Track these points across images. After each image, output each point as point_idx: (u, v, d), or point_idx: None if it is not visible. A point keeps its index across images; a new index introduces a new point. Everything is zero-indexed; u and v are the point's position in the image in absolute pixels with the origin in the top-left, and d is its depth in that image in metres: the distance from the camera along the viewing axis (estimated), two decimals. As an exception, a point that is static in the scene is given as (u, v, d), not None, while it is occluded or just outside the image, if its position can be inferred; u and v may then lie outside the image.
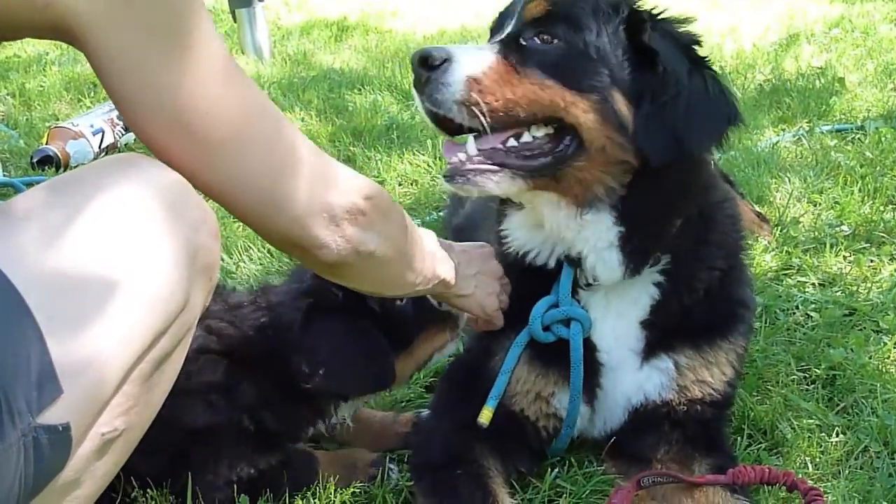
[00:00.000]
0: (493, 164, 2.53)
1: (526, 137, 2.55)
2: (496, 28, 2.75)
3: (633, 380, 2.78)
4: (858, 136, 5.70)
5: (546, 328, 2.73)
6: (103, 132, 5.86)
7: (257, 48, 8.44)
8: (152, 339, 1.69)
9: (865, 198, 4.64)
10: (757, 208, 4.49)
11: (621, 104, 2.51)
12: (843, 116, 6.12)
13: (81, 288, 1.59)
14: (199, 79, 1.80)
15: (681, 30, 2.64)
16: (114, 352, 1.62)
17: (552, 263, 2.74)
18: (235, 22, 8.55)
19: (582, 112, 2.49)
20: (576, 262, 2.68)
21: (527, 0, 2.63)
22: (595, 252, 2.63)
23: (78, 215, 1.65)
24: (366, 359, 2.70)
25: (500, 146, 2.54)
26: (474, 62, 2.50)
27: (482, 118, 2.44)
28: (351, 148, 5.83)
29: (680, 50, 2.59)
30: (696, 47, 2.64)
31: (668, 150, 2.52)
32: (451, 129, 2.60)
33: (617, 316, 2.77)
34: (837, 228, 4.35)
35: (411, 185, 5.31)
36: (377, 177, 5.35)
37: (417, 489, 2.69)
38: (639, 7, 2.62)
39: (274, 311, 2.73)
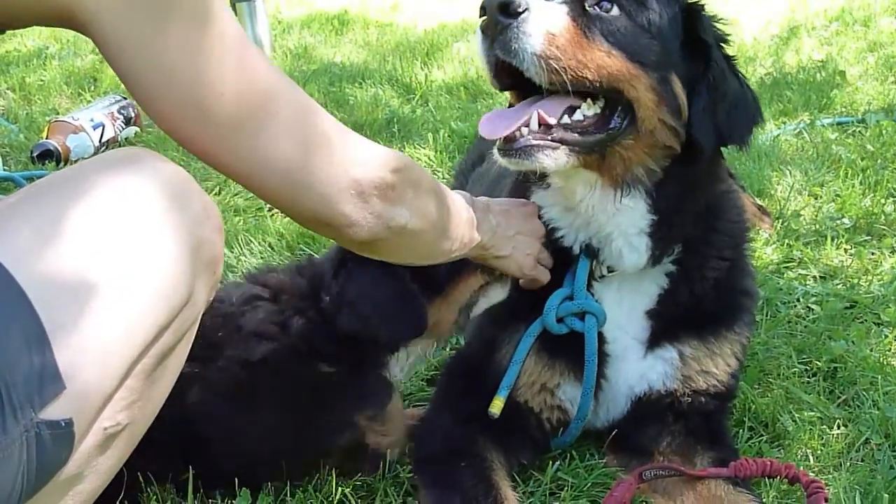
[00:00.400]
0: (552, 140, 2.51)
1: (578, 115, 2.54)
2: None
3: (637, 369, 2.79)
4: (859, 129, 5.70)
5: (559, 320, 2.73)
6: (103, 126, 5.86)
7: (258, 42, 8.42)
8: (155, 334, 1.69)
9: (866, 191, 4.64)
10: (758, 201, 4.49)
11: (678, 88, 2.54)
12: (844, 109, 6.13)
13: (84, 283, 1.58)
14: (212, 58, 1.78)
15: (717, 27, 2.68)
16: (117, 347, 1.61)
17: (577, 248, 2.74)
18: (236, 15, 8.53)
19: (644, 88, 2.50)
20: (594, 253, 2.69)
21: None
22: (625, 237, 2.65)
23: (80, 209, 1.65)
24: (394, 302, 2.70)
25: (556, 120, 2.52)
26: (553, 18, 2.44)
27: (563, 75, 2.40)
28: (352, 142, 5.81)
29: (719, 48, 2.65)
30: (727, 44, 2.70)
31: (710, 139, 2.58)
32: (506, 83, 2.59)
33: (627, 307, 2.77)
34: (838, 221, 4.35)
35: (412, 178, 5.29)
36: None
37: (420, 482, 2.69)
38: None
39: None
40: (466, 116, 6.19)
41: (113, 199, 1.69)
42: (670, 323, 2.77)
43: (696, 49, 2.58)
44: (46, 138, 5.72)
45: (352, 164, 2.01)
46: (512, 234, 2.66)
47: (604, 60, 2.46)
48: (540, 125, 2.51)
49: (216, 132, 1.80)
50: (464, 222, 2.46)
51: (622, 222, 2.62)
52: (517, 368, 2.75)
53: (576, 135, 2.52)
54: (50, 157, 5.63)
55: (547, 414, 2.81)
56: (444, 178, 5.13)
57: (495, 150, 2.54)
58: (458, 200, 2.49)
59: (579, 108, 2.53)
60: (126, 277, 1.63)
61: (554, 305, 2.72)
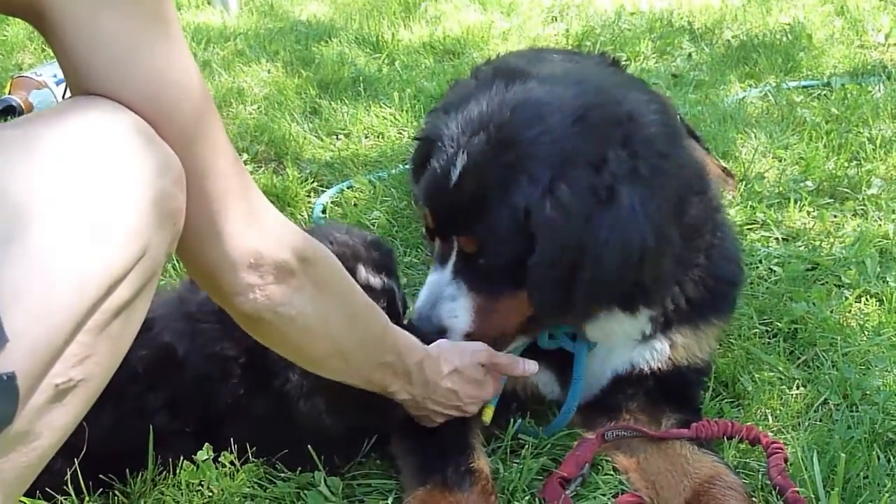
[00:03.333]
0: None
1: None
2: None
3: (626, 357, 2.84)
4: (824, 92, 5.71)
5: (550, 336, 2.78)
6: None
7: (224, -1, 8.36)
8: (108, 287, 1.65)
9: (830, 154, 4.66)
10: (722, 163, 4.50)
11: None
12: (809, 73, 6.13)
13: (30, 230, 1.55)
14: (174, 53, 1.76)
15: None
16: (64, 299, 1.58)
17: None
18: (202, -28, 8.47)
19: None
20: None
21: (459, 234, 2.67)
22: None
23: (28, 151, 1.59)
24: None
25: None
26: (461, 320, 2.68)
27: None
28: (317, 100, 5.79)
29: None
30: None
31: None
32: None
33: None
34: (802, 184, 4.36)
35: (378, 137, 5.28)
36: (343, 129, 5.34)
37: (397, 452, 2.72)
38: None
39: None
40: (433, 76, 6.16)
41: (66, 142, 1.63)
42: (666, 319, 2.80)
43: None
44: (9, 94, 5.66)
45: (259, 230, 1.94)
46: (432, 408, 2.62)
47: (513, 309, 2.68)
48: None
49: (168, 129, 1.78)
50: (375, 363, 2.38)
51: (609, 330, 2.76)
52: (505, 380, 2.78)
53: None
54: (13, 114, 5.56)
55: (522, 394, 2.87)
56: (410, 138, 5.12)
57: None
58: (383, 341, 2.40)
59: None
60: (76, 225, 1.59)
61: None
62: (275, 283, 1.98)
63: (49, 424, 1.68)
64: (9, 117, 5.54)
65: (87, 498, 2.47)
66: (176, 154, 1.78)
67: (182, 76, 1.78)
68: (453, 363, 2.57)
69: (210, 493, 2.55)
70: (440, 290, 2.70)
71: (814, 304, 3.37)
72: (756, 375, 3.00)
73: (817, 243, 3.85)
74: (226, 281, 1.95)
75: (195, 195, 1.84)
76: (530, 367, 2.70)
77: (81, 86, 1.75)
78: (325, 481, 2.59)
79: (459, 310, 2.66)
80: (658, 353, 2.81)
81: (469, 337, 2.63)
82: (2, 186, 1.55)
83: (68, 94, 4.95)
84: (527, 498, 2.56)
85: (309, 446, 2.60)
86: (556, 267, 2.45)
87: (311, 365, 2.34)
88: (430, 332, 2.63)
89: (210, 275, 1.96)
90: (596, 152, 2.44)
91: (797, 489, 2.46)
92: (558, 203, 2.41)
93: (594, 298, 2.54)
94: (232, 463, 2.57)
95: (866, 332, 3.22)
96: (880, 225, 4.01)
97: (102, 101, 1.72)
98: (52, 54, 6.26)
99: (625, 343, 2.80)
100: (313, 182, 4.66)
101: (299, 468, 2.63)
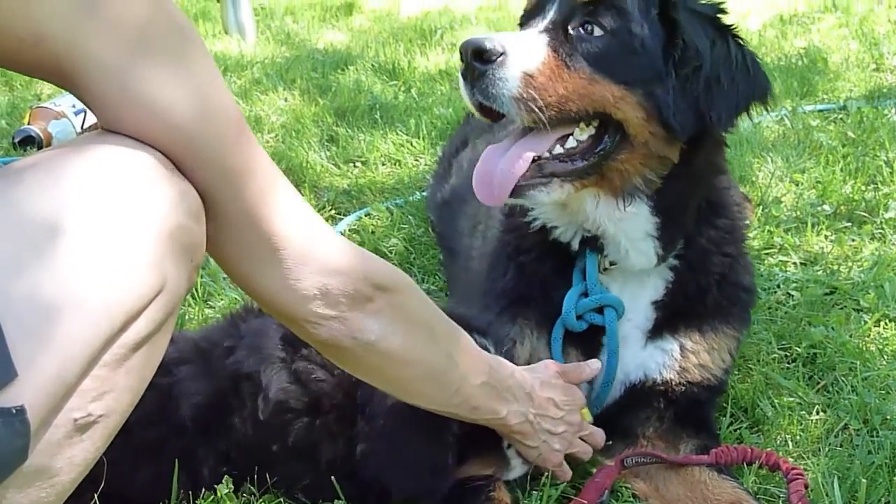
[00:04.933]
0: (542, 177, 2.55)
1: (571, 142, 2.57)
2: (534, 10, 2.70)
3: (636, 358, 2.81)
4: (841, 115, 5.70)
5: (578, 317, 2.74)
6: (85, 112, 5.82)
7: (240, 28, 8.41)
8: (123, 322, 1.65)
9: (847, 177, 4.65)
10: (739, 188, 4.50)
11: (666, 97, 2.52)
12: (825, 96, 6.13)
13: (40, 264, 1.54)
14: (209, 95, 1.77)
15: (706, 1, 2.65)
16: (77, 334, 1.57)
17: (576, 244, 2.75)
18: (219, 2, 8.51)
19: (630, 107, 2.52)
20: (597, 247, 2.70)
21: None
22: (631, 242, 2.67)
23: (43, 187, 1.58)
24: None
25: (547, 153, 2.56)
26: (529, 57, 2.48)
27: (541, 115, 2.44)
28: (334, 128, 5.81)
29: (705, 21, 2.59)
30: (721, 16, 2.65)
31: (691, 124, 2.53)
32: (493, 116, 2.59)
33: (630, 297, 2.78)
34: (819, 208, 4.35)
35: (395, 164, 5.30)
36: (360, 156, 5.35)
37: None
38: None
39: None
40: (449, 102, 6.18)
41: (82, 176, 1.63)
42: (674, 315, 2.79)
43: (674, 33, 2.55)
44: (28, 124, 5.69)
45: (326, 268, 1.95)
46: (548, 427, 2.55)
47: (586, 89, 2.49)
48: (533, 160, 2.53)
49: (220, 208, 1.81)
50: (474, 385, 2.33)
51: (628, 228, 2.65)
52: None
53: (567, 164, 2.56)
54: (32, 144, 5.60)
55: None
56: (427, 164, 5.13)
57: None
58: (475, 362, 2.35)
59: (572, 134, 2.56)
60: (89, 258, 1.59)
61: (572, 304, 2.72)
62: (349, 310, 2.00)
63: (69, 460, 1.68)
64: (28, 147, 5.57)
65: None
66: (225, 197, 1.81)
67: (220, 116, 1.79)
68: (536, 376, 2.56)
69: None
70: (519, 34, 2.62)
71: (833, 328, 3.35)
72: (775, 401, 2.98)
73: (835, 267, 3.84)
74: (297, 314, 1.97)
75: (257, 243, 1.87)
76: (594, 365, 2.71)
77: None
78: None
79: (532, 48, 2.51)
80: (668, 359, 2.79)
81: (529, 80, 2.45)
82: (15, 217, 1.55)
83: (87, 123, 4.97)
84: (547, 525, 2.55)
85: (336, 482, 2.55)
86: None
87: (407, 393, 2.32)
88: (482, 48, 2.46)
89: (281, 309, 1.99)
90: None
91: (818, 515, 2.45)
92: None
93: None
94: (252, 493, 2.56)
95: (885, 357, 3.20)
96: (898, 249, 3.99)
97: (120, 137, 1.73)
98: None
99: (637, 298, 2.79)
100: (331, 210, 4.68)
101: (319, 500, 2.60)
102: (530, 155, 2.53)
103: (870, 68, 6.69)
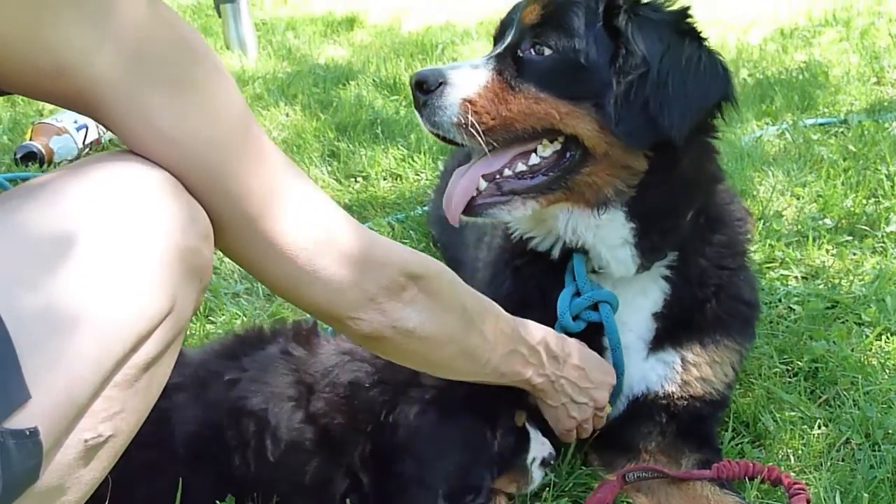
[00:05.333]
0: (501, 195, 2.60)
1: (534, 159, 2.60)
2: (498, 37, 2.80)
3: (638, 369, 2.79)
4: (841, 129, 5.71)
5: (575, 318, 2.73)
6: (87, 128, 5.84)
7: (242, 43, 8.44)
8: (134, 344, 1.65)
9: (848, 191, 4.65)
10: (742, 202, 4.50)
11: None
12: (826, 110, 6.14)
13: (52, 286, 1.54)
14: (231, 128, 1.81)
15: (664, 8, 2.63)
16: (88, 355, 1.58)
17: (556, 253, 2.76)
18: (220, 17, 8.54)
19: (578, 121, 2.53)
20: (583, 250, 2.70)
21: (523, 7, 2.66)
22: (608, 248, 2.66)
23: (54, 209, 1.59)
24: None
25: (509, 172, 2.60)
26: (468, 83, 2.55)
27: (479, 138, 2.50)
28: (335, 143, 5.82)
29: (660, 27, 2.57)
30: (685, 21, 2.63)
31: (643, 132, 2.52)
32: (452, 140, 2.62)
33: (626, 305, 2.76)
34: (820, 222, 4.35)
35: (396, 179, 5.31)
36: (361, 171, 5.36)
37: None
38: None
39: None
40: (450, 117, 6.18)
41: (91, 197, 1.64)
42: (675, 327, 2.79)
43: (619, 42, 2.56)
44: (30, 140, 5.71)
45: (363, 268, 2.01)
46: (570, 393, 2.63)
47: (531, 108, 2.53)
48: (492, 179, 2.59)
49: (228, 220, 1.84)
50: (502, 355, 2.42)
51: (605, 235, 2.64)
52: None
53: (527, 181, 2.60)
54: (33, 159, 5.62)
55: None
56: (429, 179, 5.14)
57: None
58: (504, 333, 2.44)
59: (535, 151, 2.60)
60: (100, 282, 1.59)
61: (566, 305, 2.72)
62: (387, 301, 2.06)
63: (78, 480, 1.68)
64: (30, 163, 5.59)
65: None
66: (245, 231, 1.85)
67: (235, 140, 1.82)
68: (577, 346, 2.64)
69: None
70: (467, 63, 2.68)
71: (834, 342, 3.35)
72: (777, 415, 2.98)
73: (837, 281, 3.84)
74: (336, 312, 2.03)
75: (277, 255, 1.91)
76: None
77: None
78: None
79: (472, 75, 2.59)
80: (670, 371, 2.79)
81: (471, 106, 2.52)
82: (28, 239, 1.56)
83: (89, 138, 4.99)
84: (548, 540, 2.55)
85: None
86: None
87: (442, 370, 2.40)
88: (422, 79, 2.57)
89: (319, 307, 2.04)
90: None
91: (820, 530, 2.45)
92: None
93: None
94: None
95: (887, 371, 3.19)
96: (900, 262, 3.99)
97: (131, 157, 1.74)
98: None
99: (635, 307, 2.78)
100: (332, 225, 4.66)
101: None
102: (479, 175, 2.59)
103: (870, 82, 6.70)
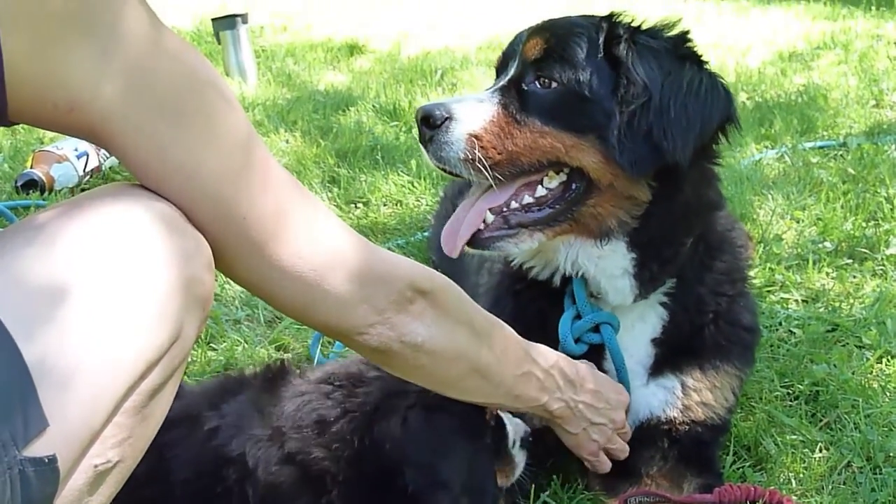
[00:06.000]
0: (509, 228, 2.61)
1: (540, 191, 2.61)
2: (501, 68, 2.81)
3: (641, 395, 2.79)
4: (841, 152, 5.73)
5: (576, 341, 2.73)
6: (87, 155, 5.84)
7: (241, 70, 8.45)
8: (143, 371, 1.68)
9: (848, 214, 4.66)
10: (743, 227, 4.51)
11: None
12: (825, 133, 6.16)
13: (67, 317, 1.57)
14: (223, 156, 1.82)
15: (663, 35, 2.65)
16: (103, 383, 1.60)
17: (556, 281, 2.76)
18: (220, 44, 8.56)
19: (583, 154, 2.54)
20: (583, 278, 2.71)
21: (525, 40, 2.68)
22: (608, 279, 2.66)
23: (66, 242, 1.63)
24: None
25: (516, 204, 2.61)
26: (474, 118, 2.56)
27: (486, 173, 2.51)
28: (336, 169, 5.83)
29: (660, 54, 2.58)
30: (684, 45, 2.65)
31: (646, 161, 2.53)
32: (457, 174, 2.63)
33: (625, 331, 2.77)
34: (820, 245, 4.36)
35: (396, 205, 5.31)
36: (361, 197, 5.37)
37: None
38: (616, 20, 2.64)
39: None
40: (450, 143, 6.19)
41: (101, 234, 1.67)
42: (674, 352, 2.79)
43: (621, 72, 2.57)
44: (31, 168, 5.71)
45: (372, 282, 2.03)
46: (589, 417, 2.62)
47: (536, 142, 2.55)
48: (499, 212, 2.61)
49: (236, 247, 1.86)
50: (515, 375, 2.41)
51: (605, 266, 2.65)
52: None
53: (534, 214, 2.62)
54: (34, 187, 5.61)
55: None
56: (429, 205, 5.15)
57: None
58: (515, 353, 2.43)
59: (541, 183, 2.61)
60: (112, 313, 1.62)
61: (567, 328, 2.72)
62: (395, 314, 2.07)
63: None
64: (31, 191, 5.59)
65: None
66: (251, 258, 1.88)
67: (244, 172, 1.84)
68: (587, 368, 2.64)
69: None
70: (472, 97, 2.68)
71: (835, 365, 3.35)
72: (778, 439, 2.98)
73: (837, 304, 3.84)
74: (346, 328, 2.05)
75: (284, 278, 1.92)
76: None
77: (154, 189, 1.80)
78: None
79: (478, 109, 2.59)
80: (671, 397, 2.78)
81: (477, 141, 2.54)
82: (36, 272, 1.58)
83: (90, 166, 5.01)
84: (550, 566, 2.54)
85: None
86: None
87: (453, 389, 2.37)
88: (428, 114, 2.57)
89: (326, 326, 2.07)
90: None
91: (822, 554, 2.44)
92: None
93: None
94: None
95: (888, 394, 3.19)
96: (900, 285, 3.99)
97: (133, 190, 1.76)
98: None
99: (634, 333, 2.79)
100: (333, 251, 4.66)
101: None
102: (486, 208, 2.60)
103: (869, 105, 6.73)
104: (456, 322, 2.24)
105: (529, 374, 2.44)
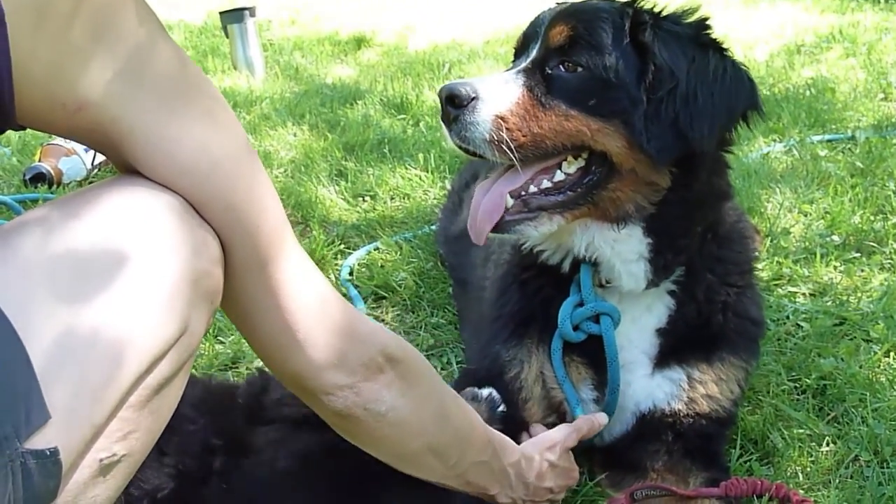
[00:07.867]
0: (529, 212, 2.60)
1: (559, 175, 2.61)
2: (520, 50, 2.80)
3: (645, 386, 2.80)
4: (849, 146, 5.71)
5: (575, 328, 2.74)
6: (95, 149, 5.85)
7: (249, 64, 8.46)
8: (148, 365, 1.68)
9: (856, 207, 4.65)
10: (750, 220, 4.50)
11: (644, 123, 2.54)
12: (833, 127, 6.14)
13: (71, 309, 1.57)
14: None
15: (685, 21, 2.66)
16: (106, 376, 1.60)
17: (566, 266, 2.76)
18: (227, 38, 8.57)
19: (608, 138, 2.54)
20: (595, 263, 2.70)
21: (549, 25, 2.66)
22: (623, 263, 2.67)
23: (70, 232, 1.63)
24: None
25: (535, 188, 2.60)
26: (500, 99, 2.55)
27: (511, 155, 2.50)
28: (343, 162, 5.83)
29: (683, 40, 2.59)
30: (704, 32, 2.66)
31: (671, 147, 2.54)
32: (477, 154, 2.63)
33: (631, 321, 2.77)
34: (828, 238, 4.35)
35: (404, 198, 5.31)
36: (369, 190, 5.37)
37: None
38: (640, 7, 2.65)
39: None
40: (458, 136, 6.19)
41: (107, 225, 1.67)
42: (679, 343, 2.79)
43: (647, 58, 2.58)
44: (39, 161, 5.72)
45: (347, 339, 1.99)
46: (538, 501, 2.58)
47: (562, 125, 2.55)
48: (518, 196, 2.60)
49: (242, 258, 1.85)
50: (472, 462, 2.35)
51: (622, 249, 2.65)
52: (569, 385, 2.78)
53: (554, 196, 2.61)
54: (42, 181, 5.63)
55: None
56: (436, 198, 5.15)
57: None
58: (478, 440, 2.36)
59: (560, 167, 2.61)
60: (117, 304, 1.62)
61: (568, 314, 2.73)
62: (363, 380, 2.03)
63: (92, 500, 1.70)
64: (39, 184, 5.60)
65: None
66: (250, 274, 1.86)
67: (245, 172, 1.84)
68: (549, 459, 2.57)
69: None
70: (496, 76, 2.68)
71: (842, 359, 3.35)
72: (785, 432, 2.98)
73: (845, 298, 3.84)
74: (313, 383, 2.00)
75: (273, 309, 1.89)
76: (601, 418, 2.74)
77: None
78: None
79: (504, 90, 2.59)
80: (676, 388, 2.78)
81: (503, 122, 2.54)
82: (43, 265, 1.58)
83: (98, 159, 5.02)
84: (557, 560, 2.55)
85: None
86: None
87: (409, 465, 2.31)
88: (454, 93, 2.55)
89: (297, 378, 2.01)
90: None
91: (829, 548, 2.44)
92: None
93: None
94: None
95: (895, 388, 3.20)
96: (908, 279, 3.99)
97: (141, 181, 1.76)
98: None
99: (639, 323, 2.79)
100: (340, 244, 4.70)
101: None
102: (506, 192, 2.60)
103: (878, 98, 6.71)
104: (423, 397, 2.19)
105: (486, 465, 2.38)
